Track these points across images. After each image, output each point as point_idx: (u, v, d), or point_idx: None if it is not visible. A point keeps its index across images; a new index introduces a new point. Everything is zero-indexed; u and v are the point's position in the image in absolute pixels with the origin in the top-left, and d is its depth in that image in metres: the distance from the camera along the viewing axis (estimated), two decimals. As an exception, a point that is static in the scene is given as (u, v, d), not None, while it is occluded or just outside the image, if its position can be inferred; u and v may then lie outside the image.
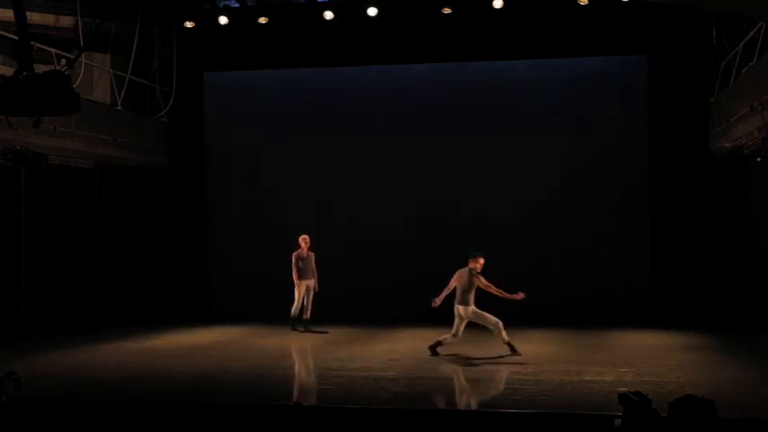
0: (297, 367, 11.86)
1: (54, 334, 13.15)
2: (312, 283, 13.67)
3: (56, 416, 7.91)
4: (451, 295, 11.17)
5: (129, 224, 15.82)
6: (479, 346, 11.58)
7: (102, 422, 7.85)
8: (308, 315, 13.70)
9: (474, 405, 9.17)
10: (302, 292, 13.60)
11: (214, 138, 16.74)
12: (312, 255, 13.71)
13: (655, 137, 15.07)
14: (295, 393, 9.90)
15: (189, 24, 15.77)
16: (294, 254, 13.66)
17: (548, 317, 14.10)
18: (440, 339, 11.12)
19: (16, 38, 9.54)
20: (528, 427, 7.76)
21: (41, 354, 11.59)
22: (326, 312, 14.38)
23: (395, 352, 11.76)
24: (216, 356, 11.67)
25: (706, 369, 10.36)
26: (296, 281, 13.55)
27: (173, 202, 16.40)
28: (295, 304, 13.63)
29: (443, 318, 14.62)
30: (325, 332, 13.55)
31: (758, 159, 12.57)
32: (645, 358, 11.06)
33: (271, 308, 14.31)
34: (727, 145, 13.62)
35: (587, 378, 9.68)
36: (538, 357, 10.92)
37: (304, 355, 12.41)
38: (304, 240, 13.71)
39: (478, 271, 10.92)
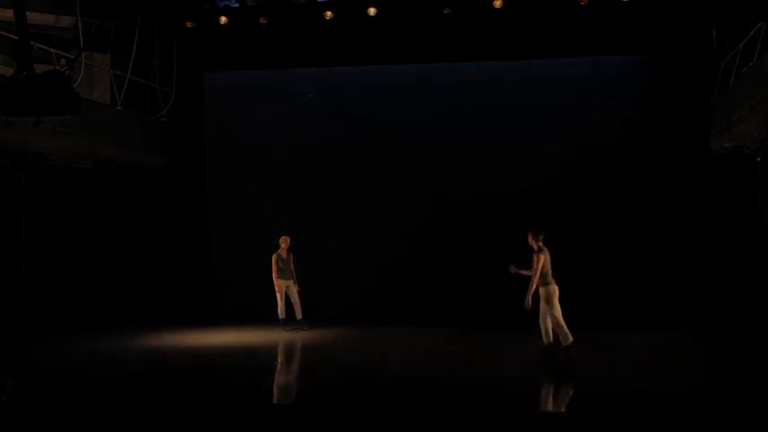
0: (294, 367, 11.86)
1: (53, 334, 13.17)
2: (291, 283, 13.86)
3: (56, 414, 7.91)
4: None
5: (129, 224, 15.82)
6: (479, 344, 11.59)
7: (102, 421, 7.86)
8: (299, 315, 13.86)
9: (472, 405, 9.16)
10: (282, 291, 13.83)
11: (214, 138, 16.73)
12: (291, 255, 13.91)
13: (655, 137, 15.06)
14: (292, 393, 9.91)
15: (189, 24, 15.77)
16: (274, 255, 13.88)
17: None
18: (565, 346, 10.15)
19: (16, 38, 9.55)
20: (526, 427, 7.77)
21: (41, 353, 11.60)
22: (327, 312, 14.44)
23: (394, 351, 11.77)
24: (215, 356, 11.68)
25: (706, 369, 10.36)
26: (275, 281, 13.78)
27: (173, 201, 16.39)
28: (279, 305, 13.86)
29: (439, 318, 14.68)
30: (314, 329, 13.72)
31: (758, 159, 12.57)
32: (643, 359, 11.06)
33: (271, 308, 14.30)
34: (727, 145, 13.62)
35: (585, 378, 9.68)
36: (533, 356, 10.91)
37: (300, 354, 12.41)
38: (284, 241, 13.96)
39: (536, 250, 10.33)
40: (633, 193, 15.20)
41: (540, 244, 10.45)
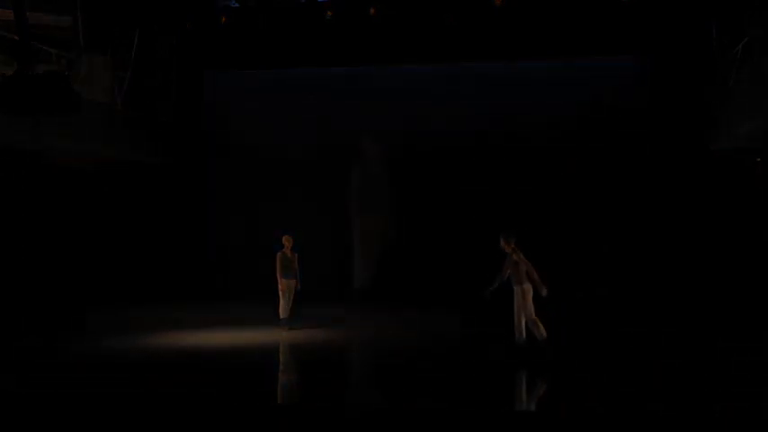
0: (294, 367, 11.86)
1: (52, 333, 13.15)
2: (294, 282, 13.80)
3: (56, 414, 7.92)
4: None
5: (129, 223, 15.84)
6: (476, 343, 11.57)
7: (103, 421, 7.85)
8: (287, 313, 13.89)
9: (471, 405, 9.16)
10: (286, 290, 13.76)
11: (214, 137, 16.76)
12: (295, 255, 13.84)
13: (655, 137, 15.08)
14: (292, 393, 9.91)
15: (189, 24, 15.79)
16: (278, 254, 13.81)
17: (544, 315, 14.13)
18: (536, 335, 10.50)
19: (16, 38, 9.55)
20: (524, 427, 7.77)
21: (41, 353, 11.59)
22: (326, 311, 14.45)
23: (393, 351, 11.77)
24: (215, 356, 11.66)
25: (706, 369, 10.35)
26: (279, 279, 13.69)
27: (173, 200, 16.41)
28: (282, 304, 13.77)
29: (438, 317, 14.67)
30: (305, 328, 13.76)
31: (758, 159, 12.58)
32: (643, 358, 11.05)
33: (271, 307, 14.31)
34: (727, 145, 13.64)
35: (585, 378, 9.68)
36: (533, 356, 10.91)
37: (300, 354, 12.41)
38: (287, 240, 13.87)
39: (509, 251, 10.51)
40: (633, 193, 15.21)
41: (513, 246, 10.56)
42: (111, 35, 15.00)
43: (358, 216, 16.04)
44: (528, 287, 10.54)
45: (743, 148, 13.10)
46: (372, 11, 15.00)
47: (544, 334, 10.53)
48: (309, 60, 16.08)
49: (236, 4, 15.77)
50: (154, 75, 16.12)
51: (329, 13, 15.18)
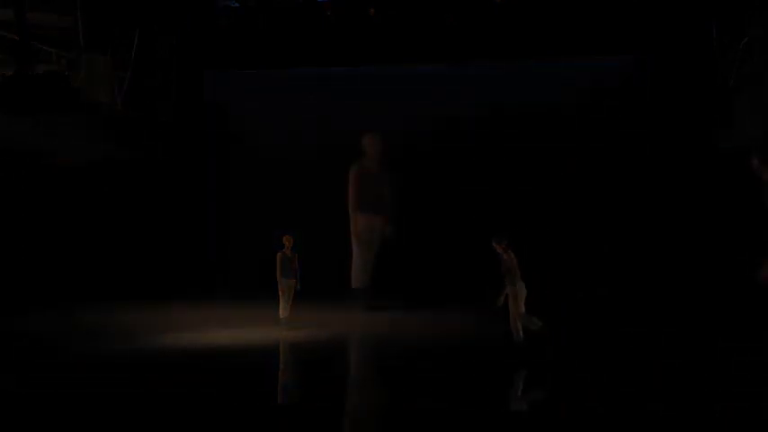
0: (294, 367, 11.86)
1: (51, 334, 13.15)
2: (294, 282, 13.80)
3: (56, 414, 7.92)
4: None
5: (129, 223, 15.83)
6: (474, 343, 11.57)
7: (102, 421, 7.85)
8: (286, 313, 13.89)
9: (471, 405, 9.16)
10: (286, 290, 13.76)
11: (214, 137, 16.78)
12: (295, 255, 13.83)
13: (655, 137, 15.10)
14: (292, 393, 9.91)
15: (189, 24, 15.82)
16: (279, 253, 13.81)
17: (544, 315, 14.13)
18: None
19: (16, 38, 9.56)
20: (524, 427, 7.78)
21: (40, 352, 11.59)
22: (326, 310, 14.44)
23: (392, 350, 11.77)
24: (214, 356, 11.66)
25: (706, 369, 10.35)
26: (279, 279, 13.70)
27: (173, 201, 16.41)
28: (281, 304, 13.76)
29: (435, 317, 14.67)
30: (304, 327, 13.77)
31: (758, 159, 12.56)
32: (643, 358, 11.05)
33: (271, 307, 14.32)
34: (727, 145, 13.64)
35: (585, 378, 9.68)
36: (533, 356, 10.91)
37: (300, 354, 12.41)
38: (288, 240, 13.86)
39: (500, 251, 10.64)
40: (633, 193, 15.22)
41: (504, 247, 10.62)
42: (111, 35, 15.01)
43: (357, 215, 16.02)
44: (521, 286, 10.59)
45: (743, 147, 13.09)
46: (372, 11, 15.01)
47: (539, 323, 10.59)
48: (309, 60, 16.10)
49: (236, 4, 15.78)
50: (154, 75, 16.12)
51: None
